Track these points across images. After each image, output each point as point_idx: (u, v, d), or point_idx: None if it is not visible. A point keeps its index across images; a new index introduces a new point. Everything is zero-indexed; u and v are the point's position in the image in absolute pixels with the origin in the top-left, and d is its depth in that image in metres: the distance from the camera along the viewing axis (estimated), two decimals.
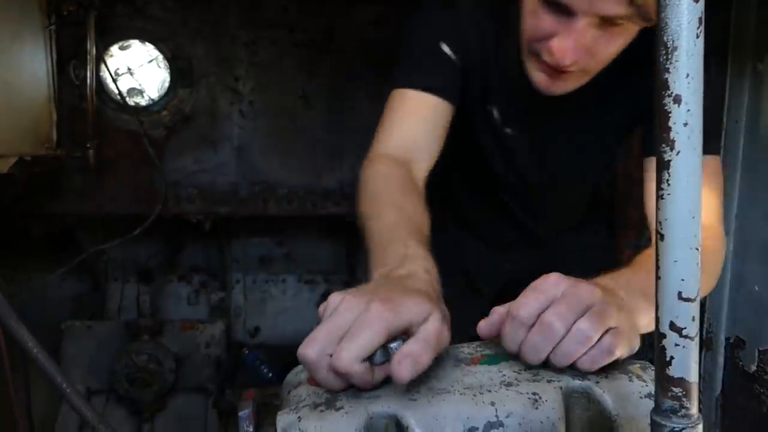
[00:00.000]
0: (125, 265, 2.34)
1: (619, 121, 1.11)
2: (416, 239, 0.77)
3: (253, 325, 2.40)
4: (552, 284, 0.61)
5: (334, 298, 0.60)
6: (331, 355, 0.55)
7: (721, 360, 1.57)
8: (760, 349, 1.46)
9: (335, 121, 2.04)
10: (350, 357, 0.54)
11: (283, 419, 0.57)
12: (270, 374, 2.20)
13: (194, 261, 2.43)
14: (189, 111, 2.00)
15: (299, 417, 0.56)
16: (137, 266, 2.33)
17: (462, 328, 0.72)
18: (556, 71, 0.90)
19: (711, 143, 1.01)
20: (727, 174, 1.46)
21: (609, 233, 1.53)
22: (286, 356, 2.17)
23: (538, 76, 0.94)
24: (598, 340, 0.59)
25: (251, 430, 0.56)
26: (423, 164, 1.00)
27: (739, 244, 1.50)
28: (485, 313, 1.41)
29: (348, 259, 2.43)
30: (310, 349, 0.56)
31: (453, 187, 1.32)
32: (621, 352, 0.61)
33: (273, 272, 2.43)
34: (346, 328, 0.56)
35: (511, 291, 1.55)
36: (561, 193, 1.28)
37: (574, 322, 0.59)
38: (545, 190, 1.24)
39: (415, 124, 1.00)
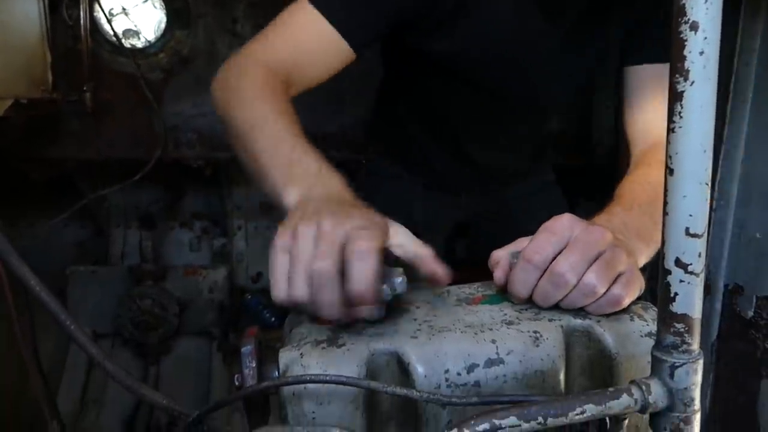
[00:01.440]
0: (127, 211, 2.34)
1: (608, 36, 1.02)
2: (310, 147, 0.74)
3: (255, 270, 2.42)
4: (565, 226, 0.61)
5: (327, 223, 0.56)
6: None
7: (718, 306, 1.58)
8: (758, 295, 1.47)
9: None
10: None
11: (285, 356, 0.57)
12: (272, 318, 2.23)
13: (195, 207, 2.43)
14: (187, 53, 1.96)
15: (301, 354, 0.57)
16: (139, 212, 2.33)
17: None
18: None
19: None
20: (735, 118, 1.43)
21: (555, 182, 1.52)
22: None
23: None
24: (607, 290, 0.60)
25: (254, 365, 0.57)
26: (295, 91, 0.91)
27: (743, 189, 1.49)
28: None
29: None
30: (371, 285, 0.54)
31: (409, 121, 1.26)
32: (630, 299, 0.61)
33: (274, 219, 2.43)
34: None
35: (452, 244, 1.53)
36: (531, 117, 1.21)
37: (586, 271, 0.59)
38: (515, 111, 1.16)
39: (308, 49, 0.90)
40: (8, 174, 1.89)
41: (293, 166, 0.70)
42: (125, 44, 1.92)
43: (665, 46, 0.90)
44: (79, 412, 2.08)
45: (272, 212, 2.42)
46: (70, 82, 1.81)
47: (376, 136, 1.42)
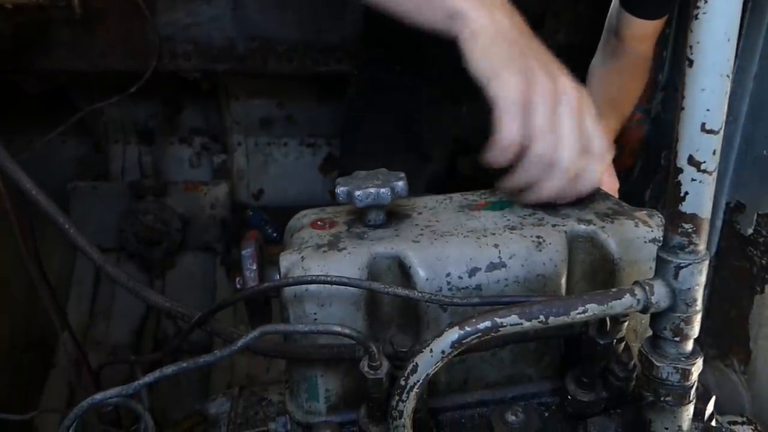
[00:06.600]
0: (125, 127, 2.30)
1: None
2: None
3: (256, 187, 2.41)
4: None
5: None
6: None
7: (719, 224, 1.58)
8: (759, 213, 1.46)
9: None
10: None
11: (286, 259, 0.57)
12: (274, 234, 2.25)
13: (194, 123, 2.38)
14: None
15: (302, 257, 0.57)
16: (137, 127, 2.30)
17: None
18: None
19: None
20: (750, 32, 1.37)
21: None
22: (289, 219, 2.17)
23: None
24: None
25: (254, 267, 0.56)
26: None
27: (754, 106, 1.44)
28: (434, 181, 1.40)
29: None
30: None
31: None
32: None
33: (274, 135, 2.39)
34: None
35: (453, 162, 1.51)
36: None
37: None
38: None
39: None
40: (2, 87, 1.84)
41: None
42: None
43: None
44: (89, 324, 2.14)
45: (272, 129, 2.39)
46: None
47: (373, 40, 1.37)
